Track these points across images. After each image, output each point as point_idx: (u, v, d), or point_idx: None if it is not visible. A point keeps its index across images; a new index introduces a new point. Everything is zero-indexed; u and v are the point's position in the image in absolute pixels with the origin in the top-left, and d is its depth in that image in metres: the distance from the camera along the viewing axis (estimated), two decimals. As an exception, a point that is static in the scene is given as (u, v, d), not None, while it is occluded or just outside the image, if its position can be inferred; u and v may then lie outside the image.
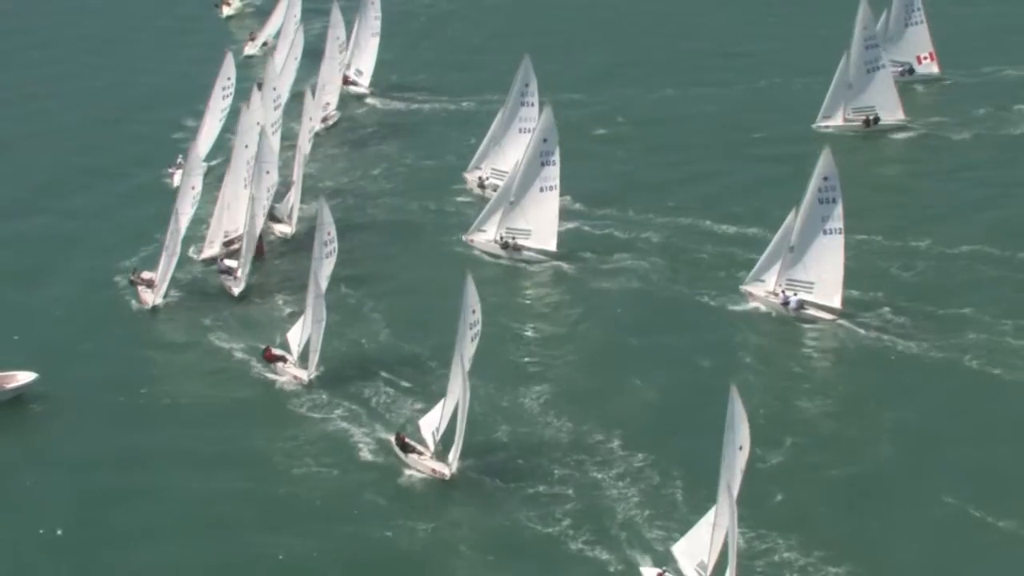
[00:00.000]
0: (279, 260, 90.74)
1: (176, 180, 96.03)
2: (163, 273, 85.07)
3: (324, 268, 77.79)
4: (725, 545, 58.49)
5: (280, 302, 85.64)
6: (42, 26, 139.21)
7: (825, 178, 79.99)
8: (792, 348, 79.20)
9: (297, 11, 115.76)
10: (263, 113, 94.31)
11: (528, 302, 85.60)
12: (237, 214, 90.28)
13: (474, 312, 67.62)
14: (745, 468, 57.51)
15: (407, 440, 69.76)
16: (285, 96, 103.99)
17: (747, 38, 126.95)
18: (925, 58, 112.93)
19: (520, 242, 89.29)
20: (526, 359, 78.70)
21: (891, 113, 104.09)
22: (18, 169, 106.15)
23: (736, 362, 77.22)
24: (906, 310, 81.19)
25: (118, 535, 65.57)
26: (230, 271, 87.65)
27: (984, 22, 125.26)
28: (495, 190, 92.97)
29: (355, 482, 68.45)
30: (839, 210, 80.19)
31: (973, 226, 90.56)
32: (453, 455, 67.72)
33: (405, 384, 76.00)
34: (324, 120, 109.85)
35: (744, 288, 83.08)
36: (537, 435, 71.51)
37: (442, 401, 69.64)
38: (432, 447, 69.19)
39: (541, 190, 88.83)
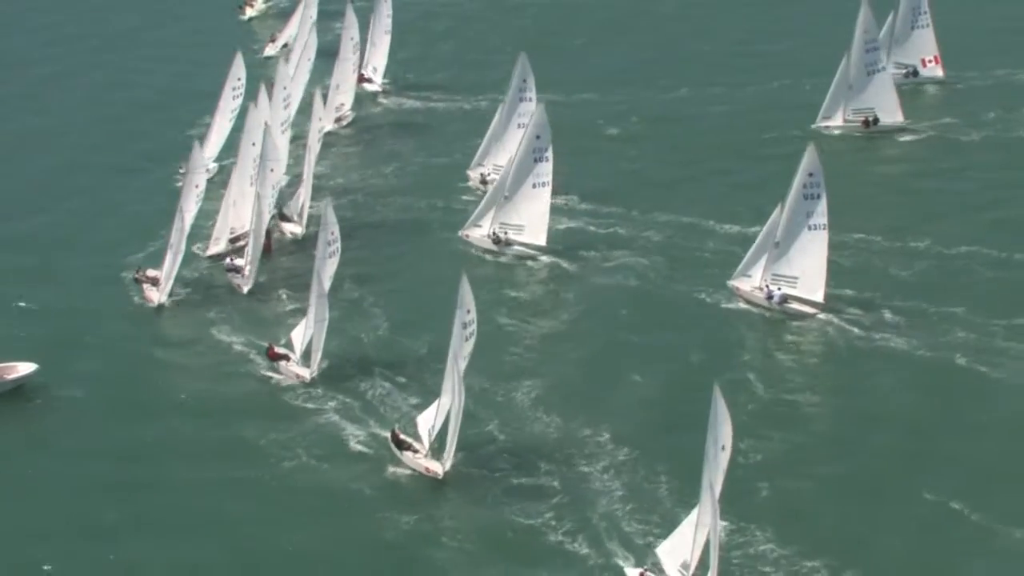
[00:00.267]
0: (286, 258, 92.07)
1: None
2: (168, 271, 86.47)
3: (327, 268, 78.84)
4: (708, 544, 59.28)
5: (285, 300, 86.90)
6: (62, 23, 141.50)
7: (810, 174, 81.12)
8: (782, 345, 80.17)
9: (313, 12, 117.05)
10: (271, 112, 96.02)
11: (524, 298, 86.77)
12: (243, 211, 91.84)
13: (469, 312, 68.48)
14: (728, 467, 58.36)
15: (402, 437, 70.83)
16: (298, 97, 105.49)
17: (762, 39, 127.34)
18: (930, 61, 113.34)
19: (512, 237, 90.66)
20: (520, 355, 79.81)
21: (890, 115, 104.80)
22: (29, 166, 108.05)
23: (727, 359, 78.16)
24: (899, 309, 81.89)
25: (113, 526, 67.01)
26: (238, 269, 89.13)
27: (990, 26, 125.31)
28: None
29: (347, 476, 69.64)
30: (823, 206, 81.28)
31: (970, 227, 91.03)
32: (447, 454, 68.77)
33: (404, 381, 77.19)
34: (338, 120, 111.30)
35: (731, 283, 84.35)
36: (527, 430, 72.66)
37: (438, 400, 70.75)
38: (427, 445, 70.34)
39: (534, 186, 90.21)
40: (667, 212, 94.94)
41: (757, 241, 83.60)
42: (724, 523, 61.83)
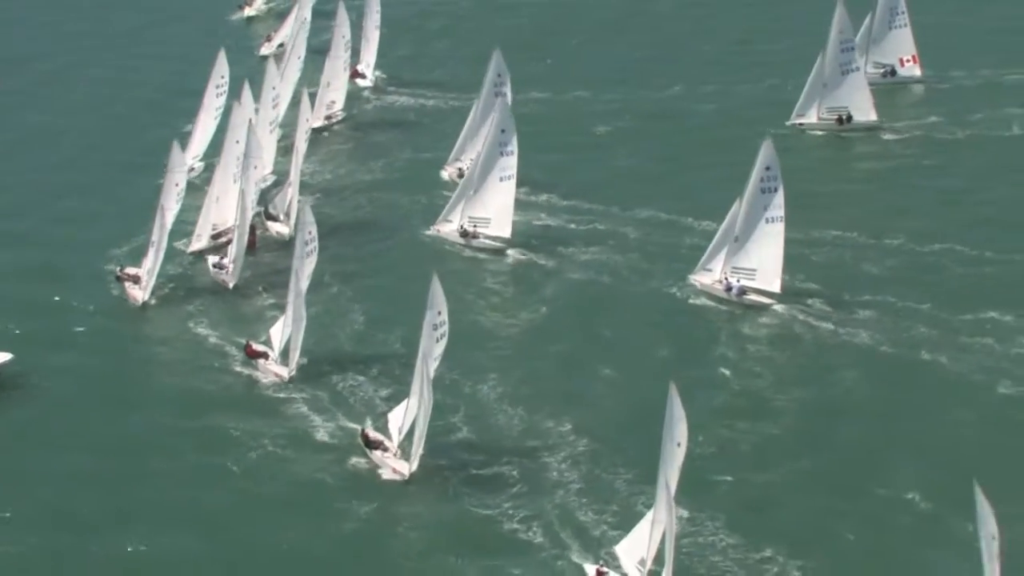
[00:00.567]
0: (269, 254, 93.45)
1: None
2: (150, 269, 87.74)
3: (305, 267, 79.79)
4: (664, 540, 60.27)
5: (267, 297, 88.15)
6: (62, 21, 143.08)
7: (767, 168, 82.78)
8: (749, 339, 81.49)
9: (307, 12, 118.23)
10: (260, 111, 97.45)
11: (498, 293, 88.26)
12: (225, 208, 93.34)
13: (440, 313, 69.50)
14: (689, 459, 59.51)
15: (372, 436, 72.05)
16: (288, 96, 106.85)
17: (762, 39, 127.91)
18: (908, 60, 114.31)
19: (479, 230, 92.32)
20: (490, 348, 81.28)
21: (864, 113, 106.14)
22: (28, 164, 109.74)
23: (693, 353, 79.73)
24: (867, 303, 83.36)
25: (90, 517, 68.79)
26: (222, 266, 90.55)
27: (968, 27, 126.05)
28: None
29: (312, 467, 71.22)
30: (780, 199, 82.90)
31: (944, 223, 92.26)
32: (413, 455, 69.89)
33: (377, 376, 78.75)
34: (328, 118, 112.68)
35: (692, 278, 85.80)
36: (491, 421, 74.26)
37: (407, 400, 71.87)
38: (396, 444, 71.50)
39: (500, 179, 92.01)
40: (648, 208, 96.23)
41: (717, 235, 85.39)
42: (682, 512, 63.28)
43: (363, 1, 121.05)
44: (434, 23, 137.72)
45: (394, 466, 70.31)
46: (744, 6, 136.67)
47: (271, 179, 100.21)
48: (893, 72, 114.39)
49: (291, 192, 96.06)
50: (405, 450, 70.71)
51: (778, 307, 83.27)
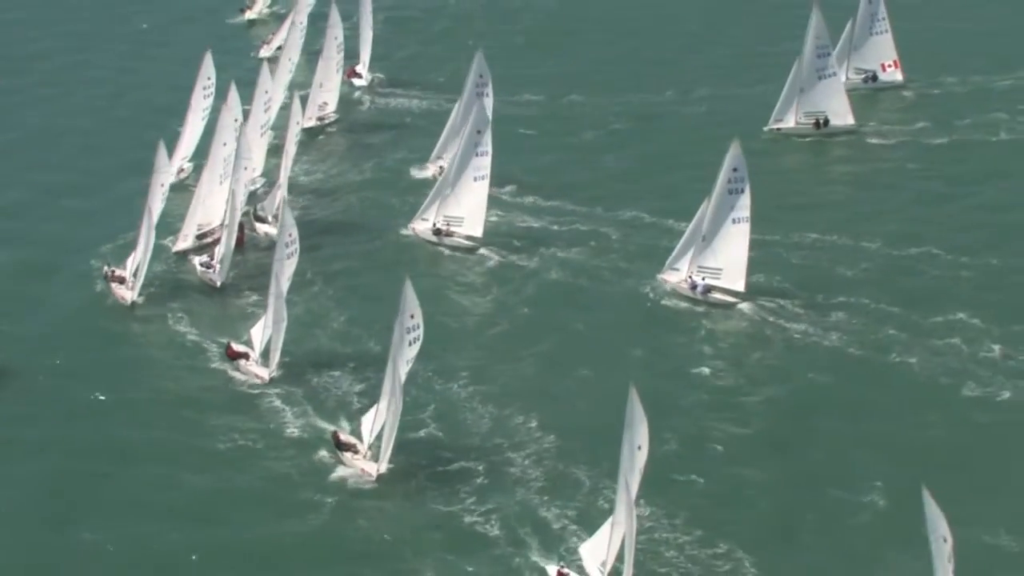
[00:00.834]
0: (255, 255, 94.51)
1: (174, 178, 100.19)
2: (138, 269, 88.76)
3: (286, 269, 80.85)
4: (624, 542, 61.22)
5: (251, 298, 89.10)
6: (61, 20, 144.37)
7: (735, 169, 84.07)
8: (720, 339, 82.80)
9: (303, 16, 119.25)
10: (252, 115, 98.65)
11: (474, 293, 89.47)
12: (212, 209, 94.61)
13: (413, 317, 70.24)
14: (652, 460, 60.43)
15: (343, 438, 73.13)
16: (280, 99, 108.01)
17: (763, 43, 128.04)
18: (889, 66, 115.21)
19: (452, 228, 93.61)
20: (462, 347, 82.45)
21: (841, 117, 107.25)
22: (26, 163, 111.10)
23: (664, 353, 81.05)
24: (840, 305, 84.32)
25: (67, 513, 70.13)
26: (210, 265, 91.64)
27: (950, 33, 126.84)
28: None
29: (284, 465, 72.49)
30: (746, 200, 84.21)
31: (920, 226, 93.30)
32: (382, 457, 70.84)
33: (352, 375, 79.83)
34: (321, 119, 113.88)
35: (660, 276, 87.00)
36: (460, 418, 75.49)
37: (378, 403, 72.73)
38: (367, 446, 72.53)
39: (474, 179, 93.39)
40: (632, 209, 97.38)
41: (685, 235, 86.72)
42: (643, 511, 64.53)
43: (359, 3, 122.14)
44: (435, 24, 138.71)
45: (363, 467, 71.33)
46: (747, 14, 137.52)
47: (260, 181, 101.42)
48: (874, 77, 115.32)
49: (280, 194, 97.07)
50: (375, 452, 71.67)
51: (750, 308, 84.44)
